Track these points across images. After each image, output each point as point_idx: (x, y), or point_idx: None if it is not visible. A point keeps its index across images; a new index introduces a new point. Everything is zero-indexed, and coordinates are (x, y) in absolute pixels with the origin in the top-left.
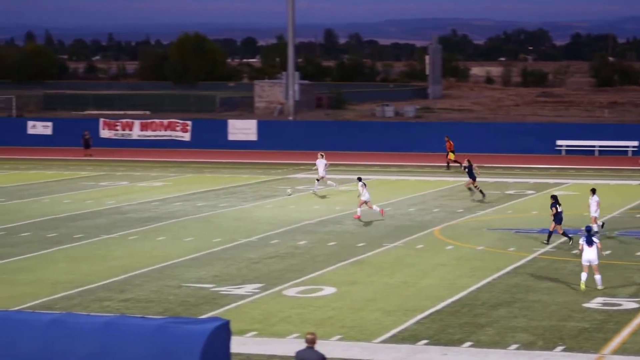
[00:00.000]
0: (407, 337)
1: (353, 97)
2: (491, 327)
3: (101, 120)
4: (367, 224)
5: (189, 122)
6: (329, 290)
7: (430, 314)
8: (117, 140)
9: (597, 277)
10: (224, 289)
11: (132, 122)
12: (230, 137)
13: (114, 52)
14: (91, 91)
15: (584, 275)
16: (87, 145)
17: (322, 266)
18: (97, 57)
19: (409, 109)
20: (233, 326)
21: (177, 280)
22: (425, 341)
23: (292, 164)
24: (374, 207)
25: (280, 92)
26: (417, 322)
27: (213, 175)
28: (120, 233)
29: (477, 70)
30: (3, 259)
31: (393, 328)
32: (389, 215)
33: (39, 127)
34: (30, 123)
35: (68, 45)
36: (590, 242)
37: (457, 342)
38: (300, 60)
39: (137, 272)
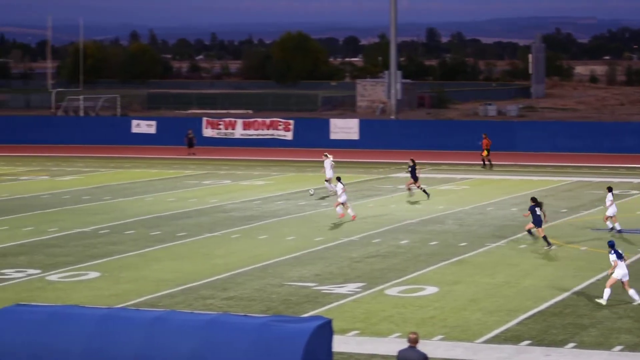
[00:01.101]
0: (510, 338)
1: (455, 96)
2: (595, 328)
3: (204, 119)
4: (469, 223)
5: (291, 121)
6: (431, 289)
7: (533, 315)
8: (220, 139)
9: (632, 291)
10: (325, 288)
11: (235, 121)
12: (332, 136)
13: (217, 52)
14: (194, 90)
15: (607, 292)
16: (190, 144)
17: (424, 265)
18: (201, 57)
19: (512, 108)
20: (335, 325)
21: (279, 278)
22: (528, 342)
23: (393, 163)
24: (349, 210)
25: (382, 91)
26: (520, 323)
27: (315, 174)
28: (223, 231)
29: (581, 69)
30: (107, 257)
31: (496, 328)
32: (492, 216)
33: (143, 126)
34: (134, 122)
35: (172, 44)
36: (620, 257)
37: (560, 343)
38: (402, 59)
39: (239, 270)
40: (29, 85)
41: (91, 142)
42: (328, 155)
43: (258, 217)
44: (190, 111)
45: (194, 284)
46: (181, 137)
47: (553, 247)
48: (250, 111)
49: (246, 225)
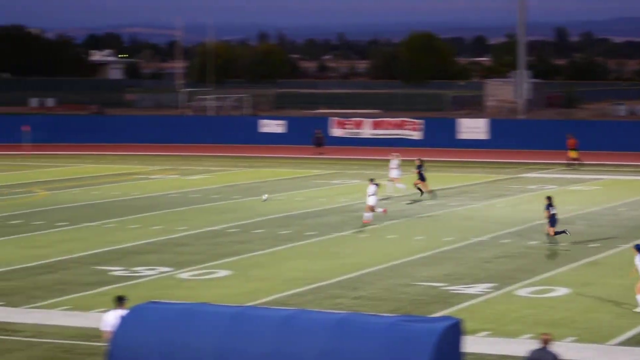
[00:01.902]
0: None
1: (585, 96)
2: None
3: (332, 119)
4: (601, 224)
5: (420, 121)
6: (562, 290)
7: None
8: (348, 139)
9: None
10: (455, 288)
11: (363, 121)
12: (460, 136)
13: (345, 51)
14: (322, 90)
15: None
16: (318, 144)
17: (554, 266)
18: (328, 56)
19: None
20: (465, 325)
21: (408, 278)
22: None
23: (523, 163)
24: (378, 209)
25: (510, 91)
26: None
27: (443, 174)
28: (352, 231)
29: None
30: (237, 255)
31: (628, 330)
32: (625, 217)
33: (272, 126)
34: (263, 121)
35: (300, 44)
36: None
37: None
38: (531, 58)
39: (368, 270)
40: (159, 85)
41: (220, 141)
42: (396, 155)
43: (387, 217)
44: (318, 111)
45: (323, 283)
46: (309, 137)
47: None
48: (379, 111)
49: (375, 225)
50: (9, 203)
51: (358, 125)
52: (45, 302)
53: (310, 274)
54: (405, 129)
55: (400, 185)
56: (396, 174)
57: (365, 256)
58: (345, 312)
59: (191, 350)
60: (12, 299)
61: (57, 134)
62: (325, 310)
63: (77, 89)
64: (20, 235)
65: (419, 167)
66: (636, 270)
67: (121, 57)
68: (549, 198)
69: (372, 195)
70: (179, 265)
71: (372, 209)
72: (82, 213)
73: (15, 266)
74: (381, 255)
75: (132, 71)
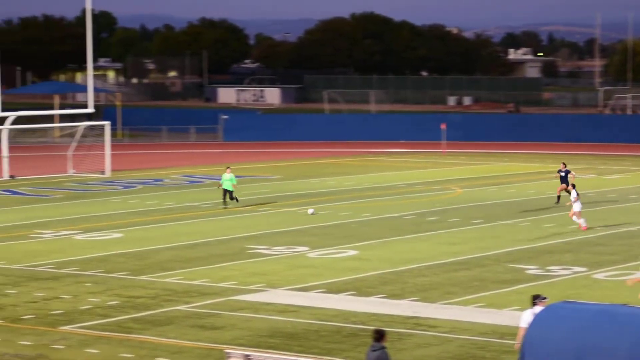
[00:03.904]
0: None
1: None
2: None
3: None
4: None
5: None
6: None
7: None
8: None
9: None
10: None
11: None
12: None
13: None
14: None
15: None
16: None
17: None
18: None
19: None
20: None
21: None
22: None
23: None
24: (581, 220)
25: None
26: None
27: None
28: None
29: None
30: None
31: None
32: None
33: None
34: None
35: None
36: None
37: None
38: None
39: None
40: (576, 83)
41: (639, 140)
42: None
43: None
44: None
45: None
46: None
47: None
48: None
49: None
50: (426, 200)
51: None
52: (461, 299)
53: None
54: None
55: None
56: None
57: None
58: None
59: (604, 352)
60: (428, 294)
61: (472, 132)
62: None
63: (494, 88)
64: (437, 232)
65: (564, 172)
66: None
67: (538, 56)
68: None
69: (576, 201)
70: (595, 265)
71: (579, 214)
72: (497, 211)
73: (431, 262)
74: None
75: (549, 69)
